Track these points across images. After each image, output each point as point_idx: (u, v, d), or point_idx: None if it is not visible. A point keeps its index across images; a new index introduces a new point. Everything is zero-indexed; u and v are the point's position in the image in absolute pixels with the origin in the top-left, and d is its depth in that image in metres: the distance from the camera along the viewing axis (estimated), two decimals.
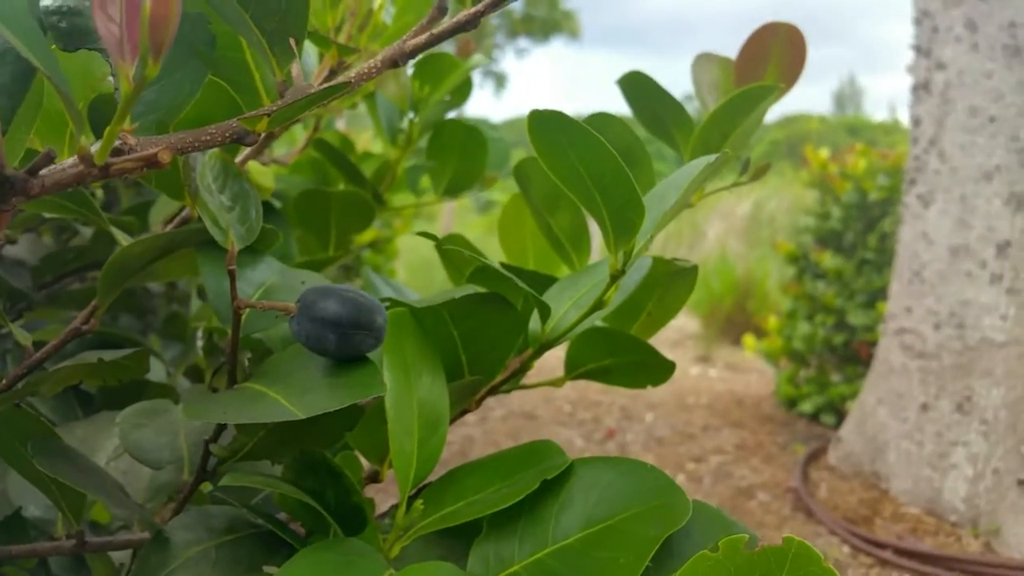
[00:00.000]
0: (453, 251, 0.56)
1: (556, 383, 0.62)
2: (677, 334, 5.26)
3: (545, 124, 0.39)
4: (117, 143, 0.29)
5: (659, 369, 0.57)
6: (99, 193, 1.22)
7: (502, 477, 0.48)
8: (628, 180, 0.40)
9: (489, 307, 0.50)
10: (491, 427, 3.21)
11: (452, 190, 0.84)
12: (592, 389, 3.83)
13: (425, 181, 0.91)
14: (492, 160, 0.84)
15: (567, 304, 0.52)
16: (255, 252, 0.50)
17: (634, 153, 0.57)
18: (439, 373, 0.47)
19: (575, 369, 0.60)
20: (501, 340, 0.52)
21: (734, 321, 4.97)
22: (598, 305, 0.48)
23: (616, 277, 0.46)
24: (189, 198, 0.37)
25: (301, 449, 0.45)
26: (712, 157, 0.45)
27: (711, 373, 4.36)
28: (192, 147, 0.30)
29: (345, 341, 0.38)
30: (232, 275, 0.39)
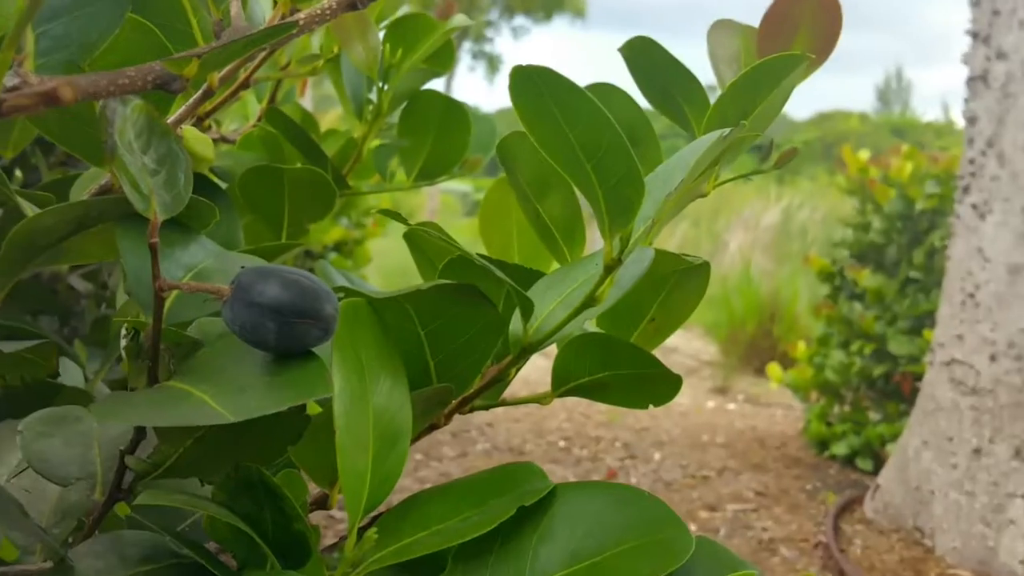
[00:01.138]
0: (420, 235, 0.56)
1: (543, 400, 0.62)
2: (692, 361, 5.27)
3: (529, 82, 0.39)
4: (16, 81, 0.28)
5: (663, 385, 0.56)
6: (18, 174, 1.22)
7: (473, 504, 0.47)
8: (626, 151, 0.40)
9: (463, 302, 0.50)
10: (472, 463, 3.20)
11: (427, 174, 0.84)
12: (591, 422, 3.82)
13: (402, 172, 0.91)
14: (476, 141, 0.83)
15: (554, 301, 0.52)
16: (186, 229, 0.49)
17: (638, 131, 0.57)
18: (400, 378, 0.46)
19: (565, 383, 0.60)
20: (477, 343, 0.51)
21: (758, 347, 4.98)
22: (589, 302, 0.48)
23: (611, 269, 0.46)
24: (106, 159, 0.37)
25: (235, 465, 0.45)
26: (725, 131, 0.44)
27: (730, 407, 4.37)
28: (106, 91, 0.30)
29: (287, 332, 0.37)
30: (154, 249, 0.38)
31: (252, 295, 0.38)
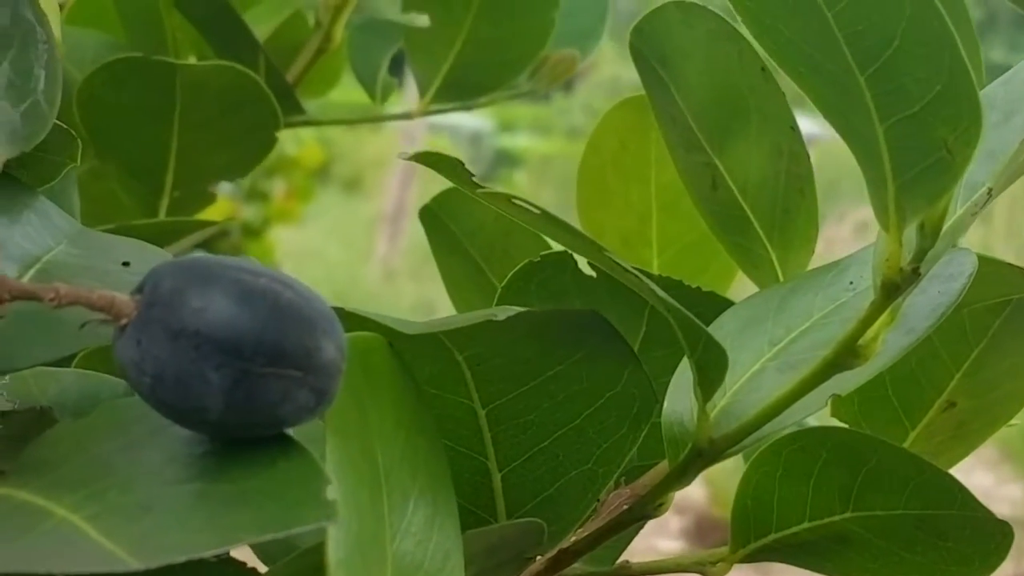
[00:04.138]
0: (470, 212, 0.57)
1: (707, 566, 0.62)
2: (999, 507, 5.21)
3: None
4: None
5: (974, 541, 0.57)
6: None
7: None
8: (949, 41, 0.41)
9: (572, 351, 0.51)
10: None
11: (461, 87, 0.85)
12: None
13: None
14: (570, 18, 0.84)
15: (765, 354, 0.52)
16: (17, 187, 0.50)
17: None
18: (446, 502, 0.47)
19: (760, 533, 0.60)
20: (594, 436, 0.53)
21: None
22: (844, 357, 0.48)
23: (896, 289, 0.47)
24: None
25: None
26: None
27: None
28: None
29: (247, 391, 0.38)
30: None
31: (180, 315, 0.39)
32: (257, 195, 3.77)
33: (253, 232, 3.75)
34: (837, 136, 0.47)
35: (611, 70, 10.53)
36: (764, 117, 0.61)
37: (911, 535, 0.58)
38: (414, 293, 6.70)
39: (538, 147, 12.10)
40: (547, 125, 12.97)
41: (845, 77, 0.43)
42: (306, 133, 5.35)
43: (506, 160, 11.93)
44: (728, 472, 0.61)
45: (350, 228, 8.26)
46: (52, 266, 0.48)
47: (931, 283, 0.49)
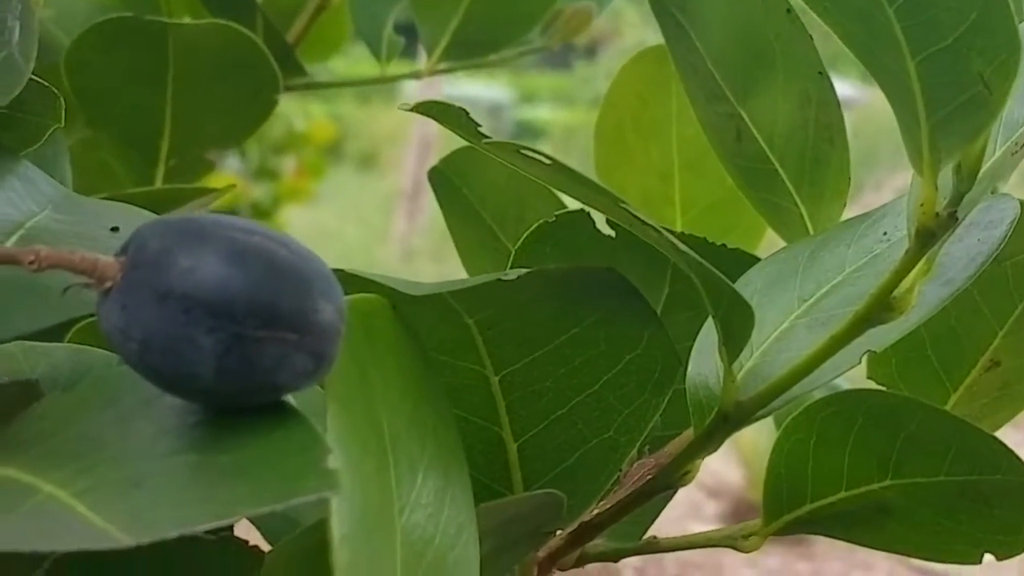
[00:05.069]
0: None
1: (738, 540, 0.62)
2: None
3: None
4: None
5: (1022, 507, 0.57)
6: None
7: None
8: None
9: (589, 312, 0.50)
10: None
11: (472, 45, 0.84)
12: None
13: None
14: None
15: (795, 310, 0.52)
16: (2, 154, 0.50)
17: None
18: (458, 473, 0.47)
19: (794, 505, 0.60)
20: (615, 402, 0.52)
21: None
22: (877, 311, 0.48)
23: (931, 236, 0.46)
24: None
25: None
26: None
27: None
28: None
29: (239, 357, 0.38)
30: None
31: (167, 276, 0.38)
32: (266, 173, 3.77)
33: (263, 212, 3.75)
34: (873, 100, 0.47)
35: (635, 36, 10.54)
36: (791, 63, 0.61)
37: (954, 503, 0.57)
38: (434, 273, 6.72)
39: (561, 118, 12.07)
40: (569, 95, 12.94)
41: (873, 10, 0.43)
42: (317, 109, 5.36)
43: (528, 132, 11.85)
44: (765, 453, 0.60)
45: (366, 207, 8.30)
46: (36, 232, 0.48)
47: (969, 231, 0.49)
